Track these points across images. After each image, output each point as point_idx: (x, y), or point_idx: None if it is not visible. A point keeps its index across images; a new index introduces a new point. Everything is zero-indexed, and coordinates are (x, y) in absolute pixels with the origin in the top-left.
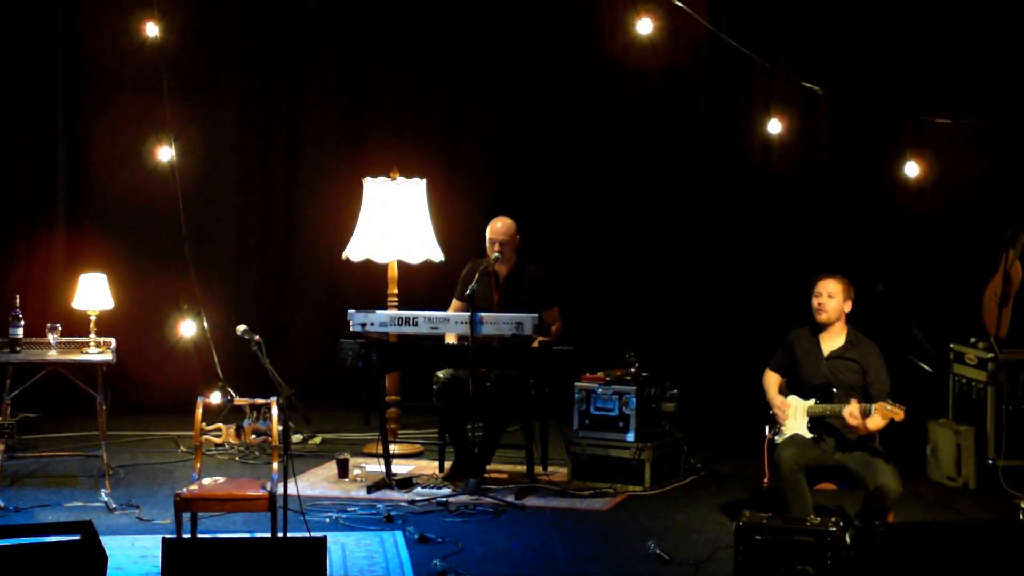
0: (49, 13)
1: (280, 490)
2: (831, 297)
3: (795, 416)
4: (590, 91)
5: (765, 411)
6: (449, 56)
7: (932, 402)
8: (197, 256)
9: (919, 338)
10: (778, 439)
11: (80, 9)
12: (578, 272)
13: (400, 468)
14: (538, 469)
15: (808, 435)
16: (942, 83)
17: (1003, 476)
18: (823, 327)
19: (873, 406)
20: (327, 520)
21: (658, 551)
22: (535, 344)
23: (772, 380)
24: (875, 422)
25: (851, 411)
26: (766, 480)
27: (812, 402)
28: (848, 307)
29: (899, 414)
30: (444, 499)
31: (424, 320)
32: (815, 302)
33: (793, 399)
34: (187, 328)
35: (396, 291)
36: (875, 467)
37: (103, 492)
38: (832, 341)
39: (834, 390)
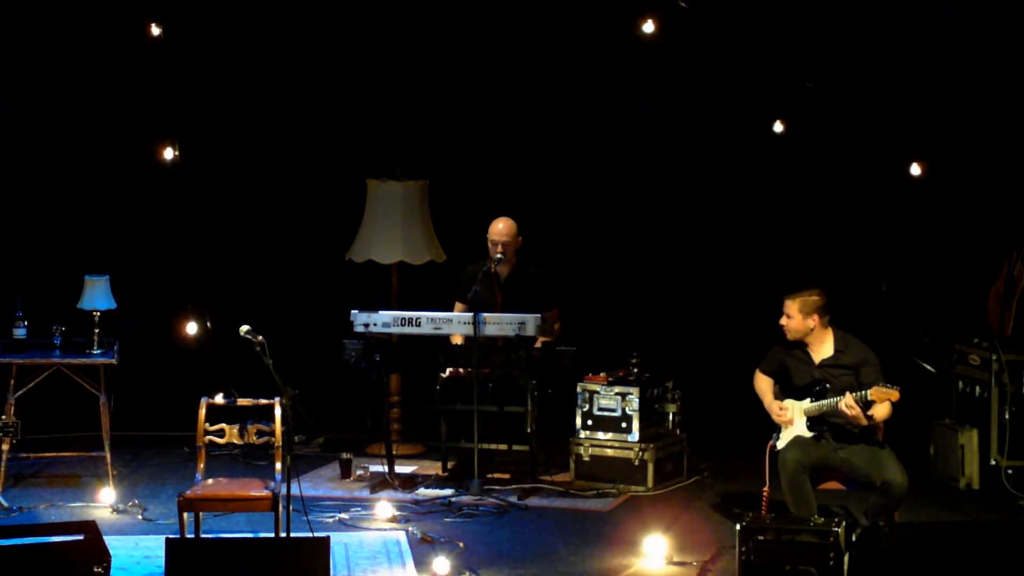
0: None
1: (283, 490)
2: (789, 318)
3: (793, 419)
4: (590, 90)
5: (767, 414)
6: (452, 55)
7: (935, 403)
8: (200, 256)
9: (923, 340)
10: (780, 445)
11: (86, 6)
12: (579, 272)
13: (403, 468)
14: (540, 469)
15: (808, 434)
16: (945, 82)
17: (1006, 477)
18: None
19: (868, 391)
20: (330, 520)
21: (660, 551)
22: (538, 344)
23: (765, 384)
24: (879, 411)
25: (847, 402)
26: (766, 488)
27: (807, 402)
28: (812, 322)
29: (894, 394)
30: (447, 499)
31: (427, 320)
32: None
33: (789, 402)
34: (190, 328)
35: (398, 291)
36: (880, 461)
37: (107, 492)
38: (821, 350)
39: (827, 386)
